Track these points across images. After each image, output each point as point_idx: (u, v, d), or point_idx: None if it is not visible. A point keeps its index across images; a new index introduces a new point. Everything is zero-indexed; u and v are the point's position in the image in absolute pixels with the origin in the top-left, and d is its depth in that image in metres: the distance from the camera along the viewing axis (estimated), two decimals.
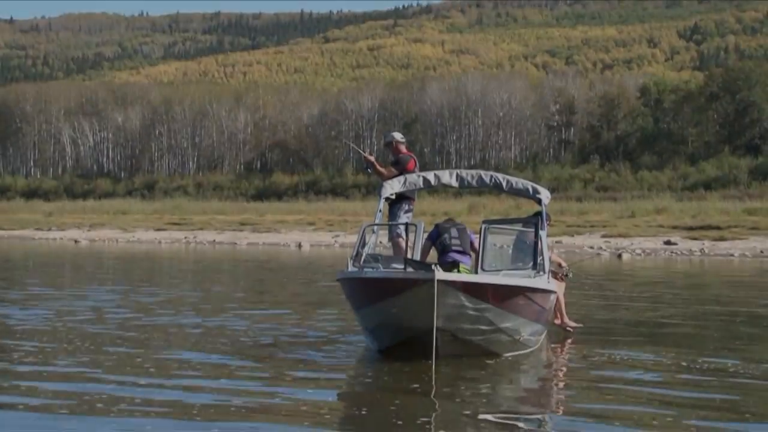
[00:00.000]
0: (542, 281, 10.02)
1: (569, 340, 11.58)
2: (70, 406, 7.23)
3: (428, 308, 8.73)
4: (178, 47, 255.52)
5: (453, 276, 9.07)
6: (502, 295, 9.31)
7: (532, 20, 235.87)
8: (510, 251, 10.70)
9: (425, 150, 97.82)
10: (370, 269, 9.81)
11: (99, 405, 7.25)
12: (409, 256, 10.74)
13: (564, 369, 9.73)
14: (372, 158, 12.52)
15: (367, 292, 9.47)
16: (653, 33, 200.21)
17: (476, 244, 10.32)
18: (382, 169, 12.44)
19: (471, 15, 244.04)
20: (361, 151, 13.18)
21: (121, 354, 9.89)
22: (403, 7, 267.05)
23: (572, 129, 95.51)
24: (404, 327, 9.21)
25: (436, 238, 10.54)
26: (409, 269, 9.35)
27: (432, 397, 7.88)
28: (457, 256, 10.26)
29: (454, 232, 10.40)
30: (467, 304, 8.99)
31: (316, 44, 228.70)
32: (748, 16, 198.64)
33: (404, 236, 11.87)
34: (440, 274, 8.73)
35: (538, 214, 11.65)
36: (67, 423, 6.67)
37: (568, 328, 12.32)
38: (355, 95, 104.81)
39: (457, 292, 8.86)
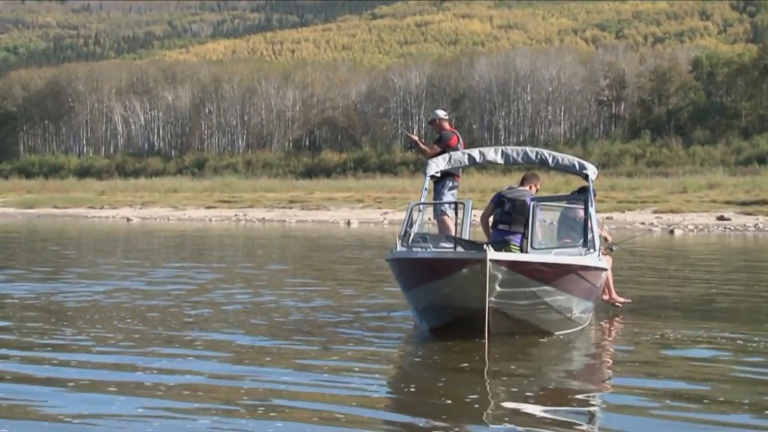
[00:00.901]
0: (593, 258, 9.94)
1: (618, 317, 11.49)
2: (118, 384, 7.29)
3: (480, 288, 8.72)
4: (226, 25, 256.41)
5: (504, 255, 9.02)
6: (553, 274, 9.26)
7: None
8: (560, 228, 10.61)
9: (474, 126, 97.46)
10: (419, 249, 9.79)
11: (147, 383, 7.31)
12: (457, 234, 10.70)
13: (615, 347, 9.65)
14: (415, 137, 12.54)
15: (417, 272, 9.45)
16: (705, 5, 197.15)
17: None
18: (425, 147, 12.47)
19: None
20: (405, 131, 13.22)
21: (168, 331, 9.96)
22: None
23: (623, 104, 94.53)
24: (455, 306, 9.20)
25: (496, 204, 10.54)
26: (459, 249, 9.31)
27: (484, 375, 7.85)
28: (505, 235, 10.23)
29: (507, 206, 10.35)
30: (518, 283, 8.96)
31: (363, 21, 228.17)
32: None
33: (450, 214, 11.85)
34: (491, 254, 8.69)
35: (584, 189, 11.58)
36: (114, 401, 6.73)
37: (617, 304, 12.23)
38: (403, 72, 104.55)
39: (509, 271, 8.83)
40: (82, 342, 9.28)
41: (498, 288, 8.83)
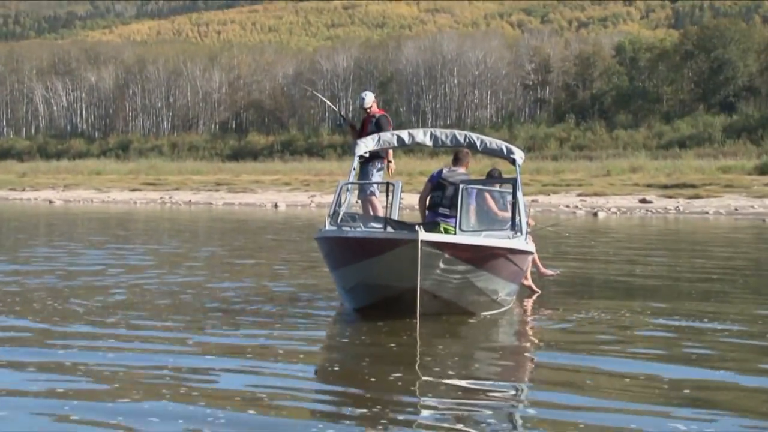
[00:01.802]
0: (520, 242, 10.06)
1: (541, 298, 11.64)
2: (38, 364, 7.19)
3: (411, 268, 8.75)
4: (151, 6, 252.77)
5: (435, 237, 9.05)
6: (484, 257, 9.35)
7: None
8: (488, 211, 10.69)
9: (401, 109, 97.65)
10: (349, 228, 9.80)
11: (67, 363, 7.22)
12: (387, 215, 10.71)
13: (541, 325, 9.77)
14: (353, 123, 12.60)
15: (348, 251, 9.45)
16: None
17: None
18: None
19: None
20: (341, 115, 13.19)
21: (90, 315, 9.83)
22: None
23: (548, 88, 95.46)
24: (384, 286, 9.23)
25: (434, 185, 10.49)
26: (389, 229, 9.34)
27: (412, 355, 7.90)
28: (442, 218, 10.25)
29: (449, 190, 10.33)
30: (449, 264, 9.02)
31: (290, 3, 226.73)
32: None
33: (377, 195, 11.88)
34: (423, 235, 8.73)
35: (491, 174, 11.79)
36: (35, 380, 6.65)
37: (548, 276, 12.58)
38: (330, 54, 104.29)
39: (440, 252, 8.88)
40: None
41: (428, 269, 8.87)
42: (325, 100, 15.82)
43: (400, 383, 6.73)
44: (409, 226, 9.21)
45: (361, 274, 9.43)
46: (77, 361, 7.32)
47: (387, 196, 10.52)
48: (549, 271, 13.03)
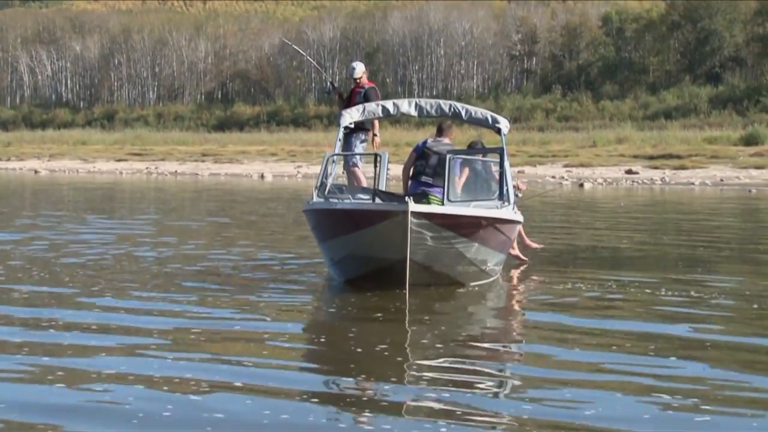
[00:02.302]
0: (509, 211, 10.10)
1: (527, 268, 11.72)
2: (27, 330, 7.22)
3: (400, 239, 8.78)
4: None
5: (425, 208, 9.08)
6: (473, 226, 9.37)
7: None
8: (475, 181, 10.72)
9: (387, 80, 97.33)
10: (336, 200, 9.81)
11: (52, 330, 7.25)
12: (375, 186, 10.73)
13: (528, 297, 9.84)
14: (340, 91, 12.56)
15: (337, 223, 9.46)
16: None
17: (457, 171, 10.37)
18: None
19: None
20: (331, 83, 13.11)
21: (77, 284, 9.85)
22: None
23: (534, 59, 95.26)
24: (374, 258, 9.25)
25: (418, 154, 10.54)
26: (378, 200, 9.36)
27: (400, 325, 7.95)
28: (426, 188, 10.28)
29: (433, 159, 10.37)
30: (439, 235, 9.05)
31: None
32: None
33: (360, 165, 11.90)
34: (413, 206, 8.75)
35: (473, 144, 11.82)
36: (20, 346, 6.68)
37: (534, 247, 12.68)
38: (316, 24, 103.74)
39: (430, 223, 8.90)
40: None
41: (418, 240, 8.90)
42: (310, 60, 15.79)
43: (386, 353, 6.78)
44: (398, 198, 9.24)
45: (350, 246, 9.44)
46: (67, 320, 7.36)
47: (375, 167, 10.52)
48: (534, 244, 13.09)
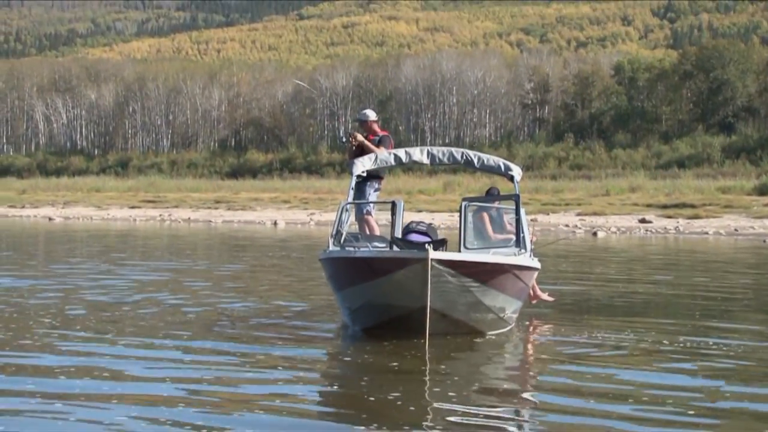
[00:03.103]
0: (527, 258, 10.05)
1: (543, 318, 11.63)
2: (37, 382, 7.18)
3: (420, 287, 8.70)
4: (151, 24, 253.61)
5: (446, 255, 8.99)
6: (492, 273, 9.30)
7: None
8: (491, 229, 10.68)
9: (400, 128, 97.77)
10: (353, 248, 9.76)
11: (63, 377, 7.21)
12: (391, 233, 10.67)
13: (545, 346, 9.74)
14: (361, 138, 12.37)
15: (354, 271, 9.37)
16: (627, 11, 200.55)
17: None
18: (370, 145, 12.27)
19: None
20: (349, 131, 12.78)
21: (87, 331, 9.82)
22: None
23: (546, 107, 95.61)
24: (393, 306, 9.16)
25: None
26: (395, 248, 9.32)
27: (418, 376, 7.88)
28: (423, 237, 10.20)
29: (420, 225, 10.39)
30: (459, 282, 8.97)
31: (290, 21, 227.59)
32: None
33: (373, 214, 11.85)
34: (433, 253, 8.68)
35: (490, 191, 11.77)
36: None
37: (547, 299, 12.50)
38: (329, 73, 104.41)
39: (450, 270, 8.83)
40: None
41: (438, 288, 8.81)
42: (311, 90, 15.57)
43: (399, 402, 6.72)
44: (419, 245, 9.16)
45: (368, 294, 9.36)
46: (79, 365, 7.32)
47: (392, 214, 10.45)
48: (546, 296, 12.77)
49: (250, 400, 6.72)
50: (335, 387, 7.61)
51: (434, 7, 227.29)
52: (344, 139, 12.46)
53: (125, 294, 13.41)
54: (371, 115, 12.76)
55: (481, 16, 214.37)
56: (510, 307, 10.04)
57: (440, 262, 8.74)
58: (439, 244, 9.29)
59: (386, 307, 9.26)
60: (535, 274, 10.74)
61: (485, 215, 10.56)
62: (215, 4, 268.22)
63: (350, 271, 9.47)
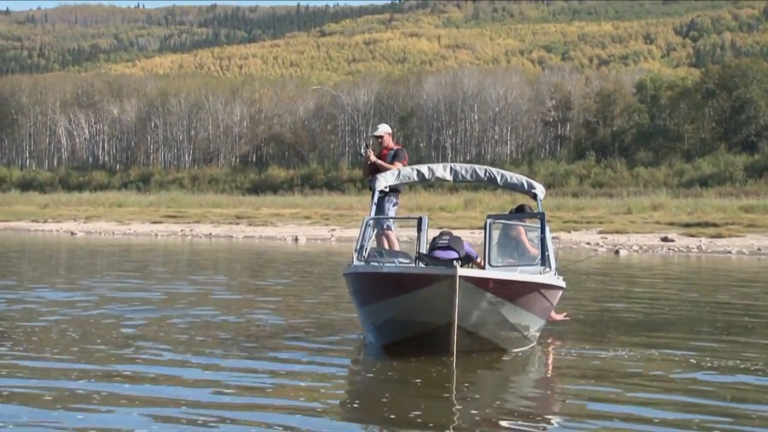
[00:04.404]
0: (552, 277, 10.00)
1: (563, 336, 11.55)
2: (57, 398, 7.19)
3: (447, 304, 8.65)
4: (174, 39, 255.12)
5: (474, 272, 8.94)
6: (519, 291, 9.26)
7: (528, 15, 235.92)
8: (516, 247, 10.64)
9: (421, 145, 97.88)
10: (377, 264, 9.72)
11: (90, 397, 7.21)
12: (416, 249, 10.64)
13: (568, 364, 9.68)
14: (374, 158, 12.36)
15: (380, 286, 9.32)
16: (649, 29, 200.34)
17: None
18: (383, 163, 12.28)
19: (467, 10, 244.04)
20: (365, 148, 12.72)
21: (108, 347, 9.84)
22: (400, 1, 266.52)
23: (568, 125, 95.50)
24: (418, 322, 9.10)
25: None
26: (421, 264, 9.29)
27: (445, 392, 7.84)
28: (447, 253, 10.16)
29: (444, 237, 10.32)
30: (486, 300, 8.92)
31: (312, 38, 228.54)
32: (744, 13, 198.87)
33: (393, 229, 11.83)
34: (461, 270, 8.64)
35: (521, 209, 11.71)
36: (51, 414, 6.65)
37: (558, 319, 12.42)
38: (351, 89, 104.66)
39: (477, 288, 8.78)
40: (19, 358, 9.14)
41: (465, 305, 8.75)
42: (333, 92, 15.62)
43: (419, 420, 6.68)
44: (447, 262, 9.12)
45: (393, 310, 9.31)
46: (96, 390, 7.32)
47: (418, 231, 10.30)
48: (558, 316, 12.64)
49: (269, 416, 6.70)
50: (356, 403, 7.58)
51: (456, 25, 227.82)
52: (362, 153, 12.48)
53: (146, 310, 13.43)
54: (384, 129, 12.75)
55: (503, 34, 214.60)
56: (534, 326, 9.99)
57: (468, 279, 8.69)
58: (466, 260, 9.24)
59: (411, 323, 9.20)
60: (560, 293, 10.67)
61: (522, 231, 10.52)
62: (238, 21, 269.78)
63: (376, 286, 9.42)
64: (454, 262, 8.91)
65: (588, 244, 39.82)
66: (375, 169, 12.15)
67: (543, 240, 10.14)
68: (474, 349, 9.36)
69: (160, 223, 57.45)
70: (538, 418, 7.06)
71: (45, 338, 10.29)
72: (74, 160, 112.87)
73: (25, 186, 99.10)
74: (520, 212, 11.64)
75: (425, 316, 8.97)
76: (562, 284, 10.46)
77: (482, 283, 8.83)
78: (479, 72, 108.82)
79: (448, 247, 10.13)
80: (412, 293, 8.92)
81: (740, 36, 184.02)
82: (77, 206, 70.81)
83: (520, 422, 6.81)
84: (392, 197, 12.11)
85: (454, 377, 8.43)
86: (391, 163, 12.26)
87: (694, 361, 9.38)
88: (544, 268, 9.97)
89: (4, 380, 7.86)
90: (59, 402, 7.00)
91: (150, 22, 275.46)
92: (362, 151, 12.59)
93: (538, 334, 10.44)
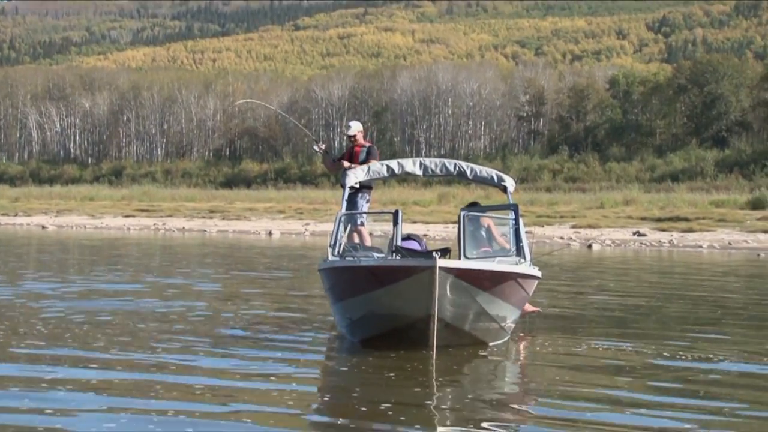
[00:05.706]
0: (530, 267, 10.02)
1: (535, 329, 11.60)
2: (25, 381, 7.17)
3: (426, 296, 8.58)
4: (146, 33, 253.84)
5: (454, 263, 8.87)
6: (499, 282, 9.24)
7: (502, 11, 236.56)
8: (488, 239, 10.67)
9: (395, 139, 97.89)
10: (353, 258, 9.70)
11: (59, 385, 7.19)
12: (392, 243, 10.65)
13: (544, 359, 9.70)
14: (346, 163, 12.41)
15: (357, 281, 9.23)
16: (622, 25, 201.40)
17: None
18: (347, 164, 12.31)
19: (441, 5, 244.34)
20: (318, 145, 12.83)
21: (82, 347, 9.79)
22: None
23: (541, 120, 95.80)
24: (396, 316, 9.02)
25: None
26: (398, 257, 9.25)
27: (432, 388, 7.83)
28: (408, 243, 10.21)
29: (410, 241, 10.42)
30: (465, 291, 8.88)
31: (286, 32, 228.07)
32: (715, 9, 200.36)
33: (366, 225, 11.84)
34: (441, 261, 8.58)
35: (475, 203, 11.75)
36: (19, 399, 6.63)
37: (531, 311, 12.49)
38: (325, 83, 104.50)
39: (457, 279, 8.73)
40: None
41: (444, 296, 8.71)
42: (300, 126, 15.66)
43: (390, 413, 6.69)
44: (426, 253, 9.11)
45: (370, 304, 9.23)
46: (66, 377, 7.30)
47: (394, 225, 10.28)
48: (531, 308, 12.69)
49: (241, 410, 6.68)
50: (326, 397, 7.56)
51: (430, 19, 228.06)
52: (316, 151, 12.66)
53: (123, 303, 13.36)
54: (357, 127, 12.78)
55: (477, 29, 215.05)
56: (511, 317, 10.00)
57: (448, 270, 8.67)
58: (444, 252, 9.24)
59: (390, 316, 9.11)
60: (536, 283, 10.68)
61: (491, 223, 10.57)
62: (211, 14, 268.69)
63: (353, 281, 9.34)
64: (433, 253, 8.86)
65: (561, 238, 39.98)
66: (339, 164, 12.28)
67: (517, 231, 10.16)
68: (452, 343, 9.30)
69: (133, 217, 57.21)
70: (514, 411, 7.08)
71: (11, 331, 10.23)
72: (45, 154, 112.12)
73: None
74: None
75: (404, 309, 8.89)
76: (539, 274, 10.48)
77: (461, 274, 8.78)
78: (453, 67, 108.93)
79: (408, 238, 10.21)
80: (390, 286, 8.84)
81: (711, 32, 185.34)
82: (48, 200, 70.41)
83: (495, 414, 6.83)
84: (365, 193, 12.12)
85: (432, 371, 8.43)
86: (365, 161, 12.26)
87: (667, 354, 9.46)
88: (519, 258, 9.99)
89: None
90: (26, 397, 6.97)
91: (122, 15, 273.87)
92: (315, 148, 12.72)
93: (513, 326, 10.45)
